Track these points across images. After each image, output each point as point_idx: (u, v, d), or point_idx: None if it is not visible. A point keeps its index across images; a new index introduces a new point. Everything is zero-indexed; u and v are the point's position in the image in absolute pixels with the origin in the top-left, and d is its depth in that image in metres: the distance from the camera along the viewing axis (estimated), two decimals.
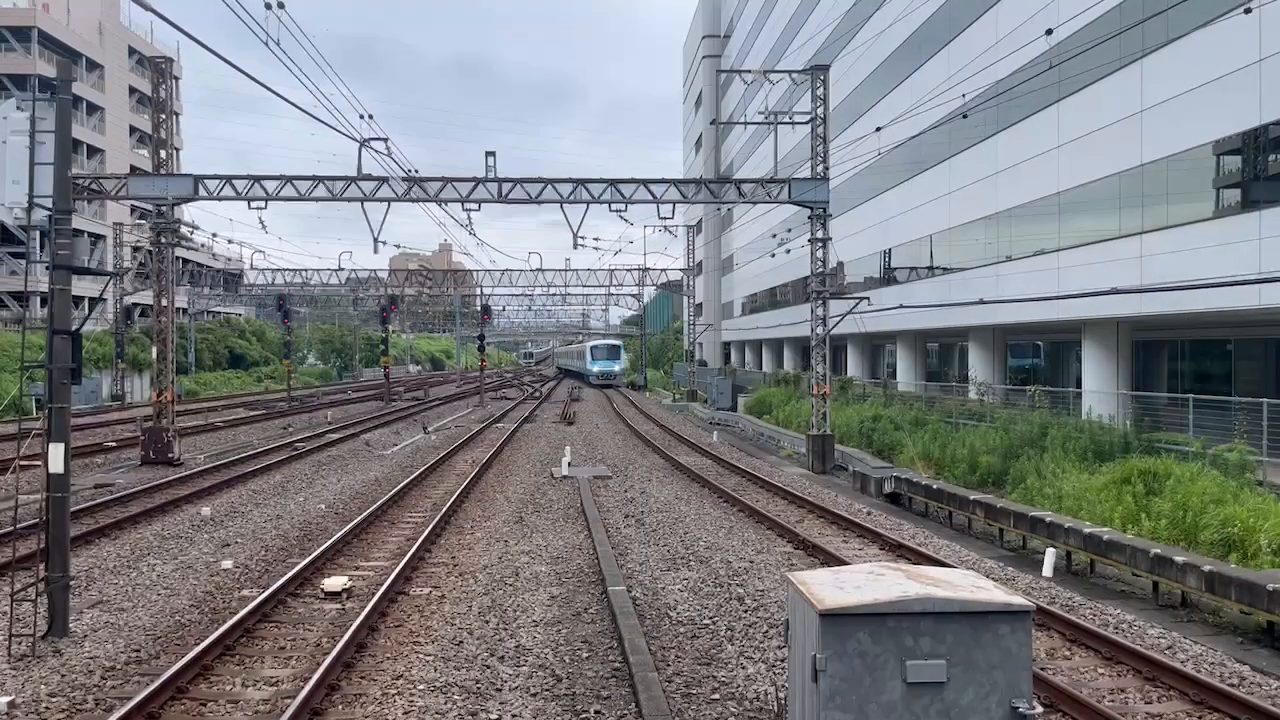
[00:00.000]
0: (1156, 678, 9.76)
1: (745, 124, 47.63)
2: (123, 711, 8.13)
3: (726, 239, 77.91)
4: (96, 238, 70.68)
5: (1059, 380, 33.40)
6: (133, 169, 63.29)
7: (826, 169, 28.72)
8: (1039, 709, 5.65)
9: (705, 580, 13.57)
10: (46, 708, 8.71)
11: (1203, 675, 9.69)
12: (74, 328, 11.17)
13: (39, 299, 55.75)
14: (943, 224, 36.30)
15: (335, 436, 34.45)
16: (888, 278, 42.55)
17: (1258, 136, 20.82)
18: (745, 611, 11.94)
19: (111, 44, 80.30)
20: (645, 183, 28.11)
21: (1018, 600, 5.69)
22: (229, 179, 27.30)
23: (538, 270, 69.89)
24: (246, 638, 10.76)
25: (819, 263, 28.56)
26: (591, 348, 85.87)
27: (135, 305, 68.00)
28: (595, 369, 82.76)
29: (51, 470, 10.83)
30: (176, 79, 79.75)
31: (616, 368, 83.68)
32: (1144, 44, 23.43)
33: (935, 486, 20.97)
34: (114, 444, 31.04)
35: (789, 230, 51.21)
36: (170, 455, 26.52)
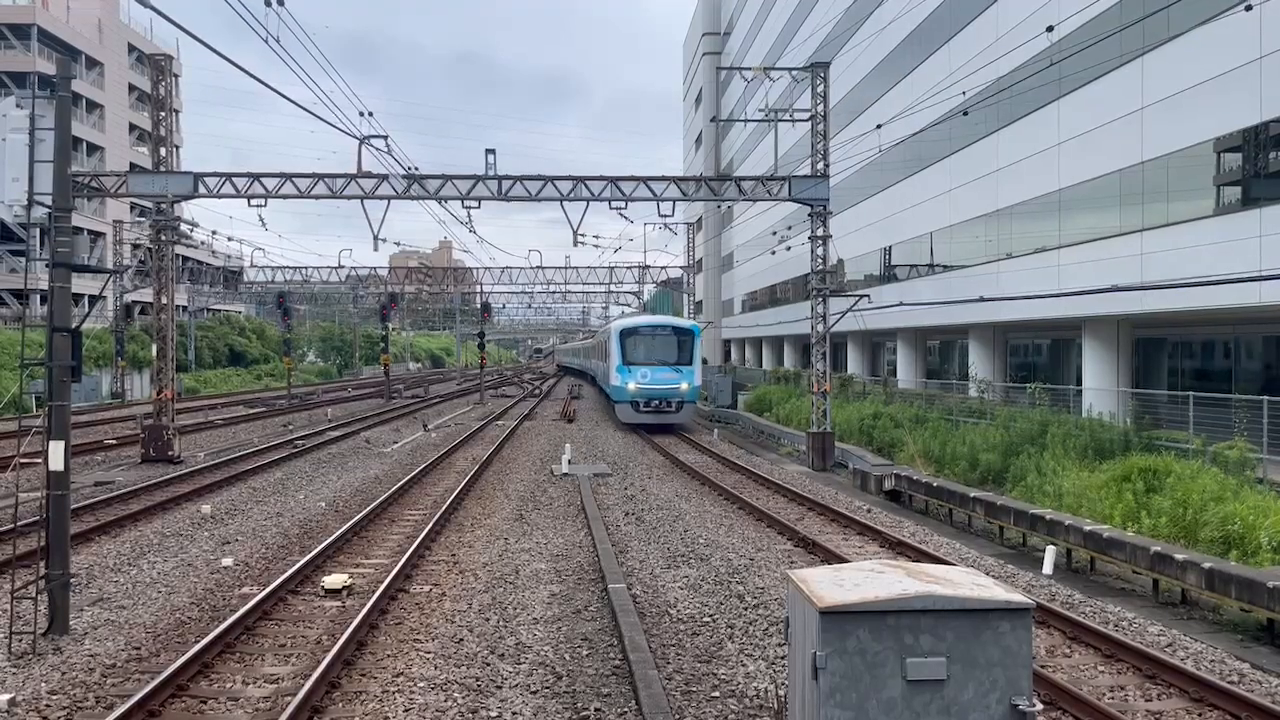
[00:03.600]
0: (1156, 675, 9.76)
1: (745, 121, 47.61)
2: (123, 709, 8.13)
3: (727, 236, 77.90)
4: (96, 235, 70.68)
5: (1059, 378, 33.40)
6: (132, 166, 63.29)
7: (827, 166, 28.69)
8: (1039, 706, 5.66)
9: (705, 578, 13.57)
10: (47, 705, 8.71)
11: (1203, 673, 9.69)
12: (74, 325, 11.17)
13: (39, 296, 55.74)
14: (943, 221, 36.27)
15: (335, 434, 34.45)
16: (888, 275, 42.53)
17: (1258, 134, 20.81)
18: (745, 609, 11.94)
19: (111, 41, 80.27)
20: (645, 180, 28.09)
21: (1018, 598, 5.69)
22: (229, 176, 27.28)
23: (538, 268, 69.96)
24: (247, 635, 10.76)
25: (819, 260, 28.54)
26: (623, 332, 38.21)
27: (135, 303, 68.01)
28: (630, 384, 36.89)
29: (51, 468, 10.83)
30: (176, 76, 79.84)
31: (683, 384, 37.07)
32: (1144, 41, 23.42)
33: (935, 484, 20.96)
34: (114, 442, 31.03)
35: (789, 227, 51.20)
36: (170, 453, 26.52)
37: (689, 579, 13.49)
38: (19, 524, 13.39)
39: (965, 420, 27.67)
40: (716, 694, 9.03)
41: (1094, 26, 24.25)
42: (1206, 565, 12.49)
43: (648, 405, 36.59)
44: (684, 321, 40.55)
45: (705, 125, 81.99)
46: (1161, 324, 27.57)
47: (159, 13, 14.05)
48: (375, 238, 29.76)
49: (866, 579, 5.94)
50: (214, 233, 61.44)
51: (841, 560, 14.29)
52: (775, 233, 53.95)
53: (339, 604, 12.14)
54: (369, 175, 27.56)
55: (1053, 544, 15.40)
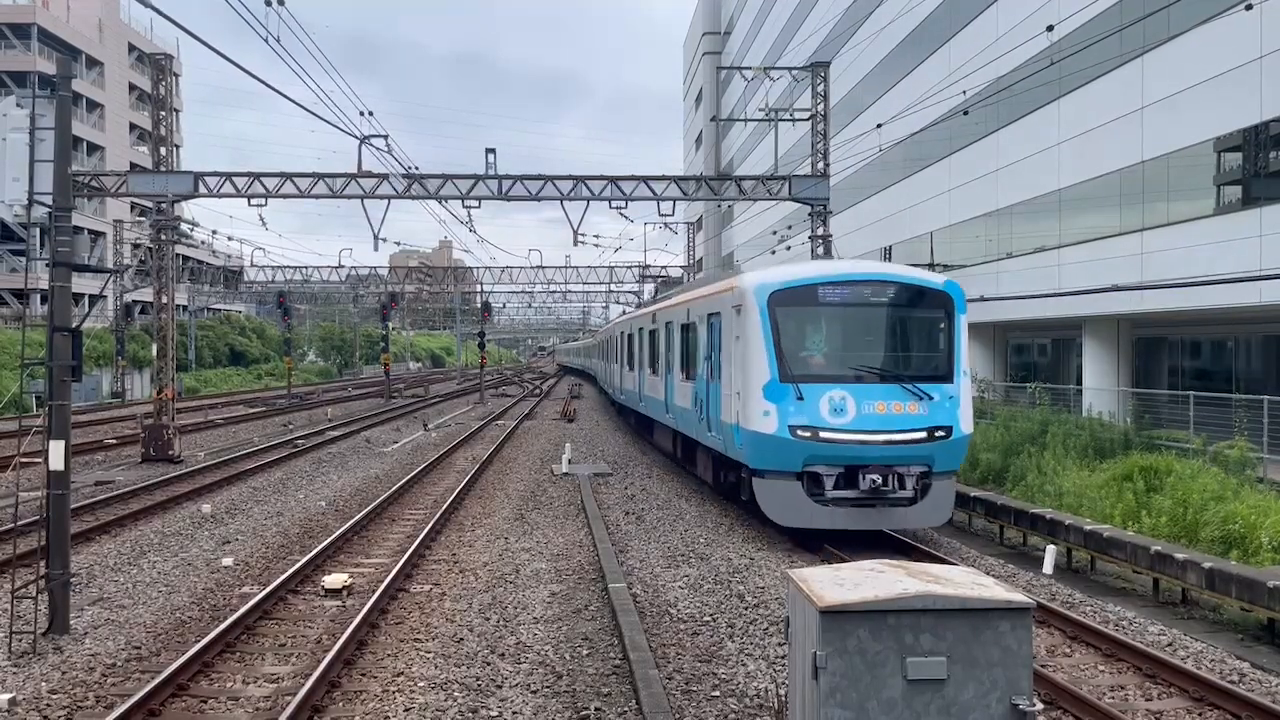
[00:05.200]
0: (1156, 675, 9.76)
1: (745, 121, 47.60)
2: (123, 709, 8.13)
3: (727, 236, 77.89)
4: (96, 235, 70.68)
5: (1060, 377, 33.40)
6: (133, 166, 63.31)
7: (827, 166, 28.69)
8: (1039, 706, 5.66)
9: (705, 577, 13.56)
10: (48, 705, 8.71)
11: (1203, 672, 9.69)
12: (74, 325, 11.17)
13: (39, 296, 55.74)
14: (943, 220, 36.28)
15: (335, 434, 34.45)
16: None
17: (1258, 133, 20.82)
18: (746, 609, 11.93)
19: (111, 41, 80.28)
20: (645, 180, 28.08)
21: (1018, 597, 5.69)
22: (229, 176, 27.29)
23: (538, 267, 69.95)
24: (247, 635, 10.76)
25: (820, 260, 28.53)
26: (777, 298, 15.05)
27: (135, 302, 68.02)
28: (801, 425, 14.55)
29: (52, 467, 10.83)
30: (176, 76, 79.88)
31: (937, 428, 14.63)
32: (1144, 40, 23.41)
33: None
34: (114, 441, 31.03)
35: (789, 227, 51.20)
36: (170, 452, 26.51)
37: (689, 578, 13.49)
38: (19, 523, 13.39)
39: None
40: (717, 693, 9.03)
41: (1094, 26, 24.25)
42: (1207, 565, 12.49)
43: (849, 486, 14.90)
44: (925, 276, 16.64)
45: (705, 125, 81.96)
46: (1161, 324, 27.57)
47: (159, 12, 14.05)
48: (375, 237, 29.75)
49: (867, 579, 5.94)
50: (214, 232, 61.51)
51: (842, 560, 14.28)
52: (775, 232, 53.94)
53: (339, 603, 12.14)
54: (369, 175, 27.56)
55: (1053, 544, 15.40)
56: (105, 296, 60.72)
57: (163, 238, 28.08)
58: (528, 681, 9.32)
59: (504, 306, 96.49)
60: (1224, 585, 12.10)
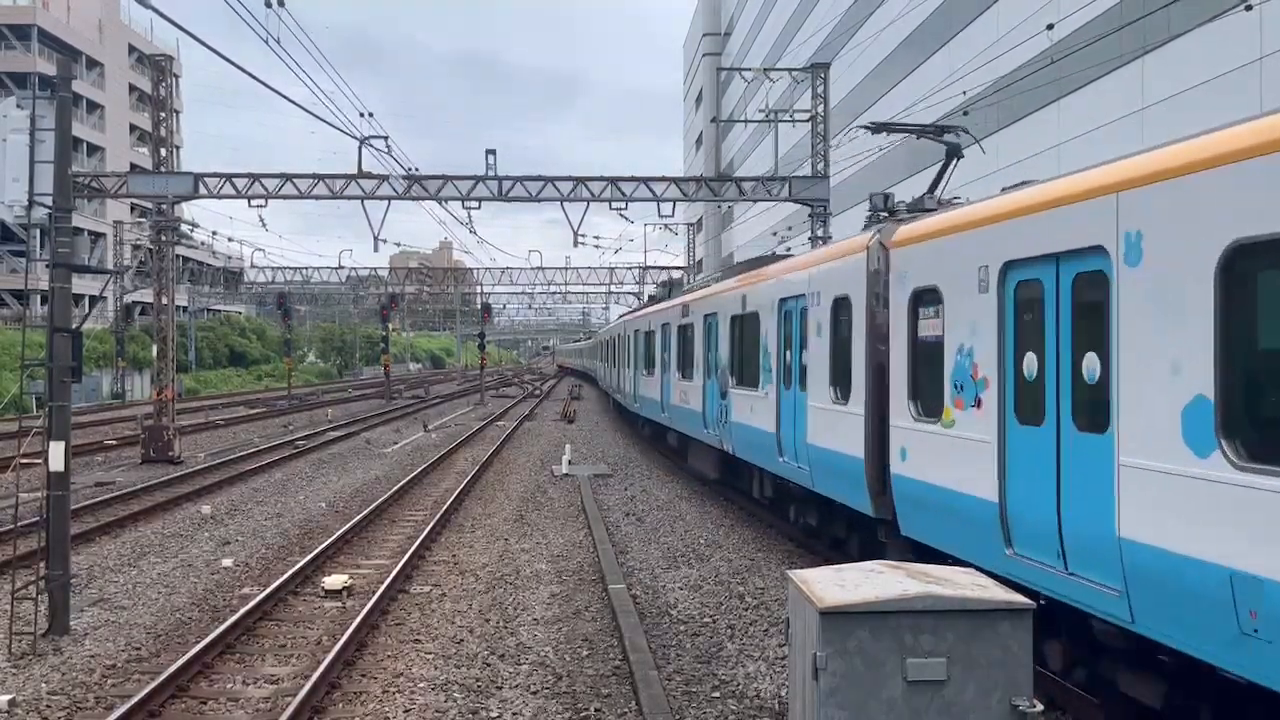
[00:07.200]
0: None
1: (745, 122, 47.68)
2: (123, 709, 8.13)
3: (727, 236, 77.92)
4: (96, 236, 70.73)
5: None
6: (133, 167, 63.31)
7: (827, 167, 28.71)
8: (1039, 706, 5.66)
9: (706, 578, 13.56)
10: (47, 706, 8.71)
11: None
12: (74, 326, 11.17)
13: (39, 297, 55.75)
14: None
15: (336, 435, 34.45)
16: None
17: None
18: (746, 610, 11.93)
19: (111, 42, 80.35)
20: (645, 181, 28.09)
21: (1018, 598, 5.69)
22: (229, 177, 27.30)
23: (538, 268, 70.03)
24: (247, 636, 10.76)
25: None
26: None
27: (135, 303, 68.06)
28: None
29: (52, 468, 10.83)
30: (177, 77, 79.92)
31: None
32: (1144, 41, 23.43)
33: None
34: (114, 442, 31.04)
35: (789, 228, 51.22)
36: (170, 453, 26.51)
37: (689, 579, 13.48)
38: (19, 524, 13.39)
39: None
40: (717, 695, 9.02)
41: (1095, 26, 24.27)
42: None
43: None
44: None
45: (705, 125, 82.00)
46: None
47: (159, 13, 14.06)
48: (375, 238, 29.78)
49: (867, 579, 5.94)
50: (214, 233, 61.66)
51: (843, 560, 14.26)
52: (775, 233, 53.96)
53: (339, 604, 12.14)
54: (369, 176, 27.57)
55: None
56: (105, 297, 60.75)
57: (163, 239, 28.10)
58: (528, 683, 9.32)
59: (504, 307, 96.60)
60: None
